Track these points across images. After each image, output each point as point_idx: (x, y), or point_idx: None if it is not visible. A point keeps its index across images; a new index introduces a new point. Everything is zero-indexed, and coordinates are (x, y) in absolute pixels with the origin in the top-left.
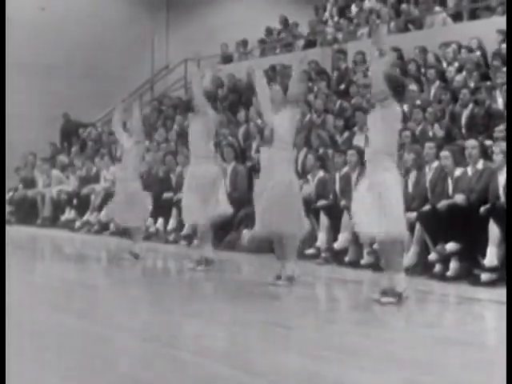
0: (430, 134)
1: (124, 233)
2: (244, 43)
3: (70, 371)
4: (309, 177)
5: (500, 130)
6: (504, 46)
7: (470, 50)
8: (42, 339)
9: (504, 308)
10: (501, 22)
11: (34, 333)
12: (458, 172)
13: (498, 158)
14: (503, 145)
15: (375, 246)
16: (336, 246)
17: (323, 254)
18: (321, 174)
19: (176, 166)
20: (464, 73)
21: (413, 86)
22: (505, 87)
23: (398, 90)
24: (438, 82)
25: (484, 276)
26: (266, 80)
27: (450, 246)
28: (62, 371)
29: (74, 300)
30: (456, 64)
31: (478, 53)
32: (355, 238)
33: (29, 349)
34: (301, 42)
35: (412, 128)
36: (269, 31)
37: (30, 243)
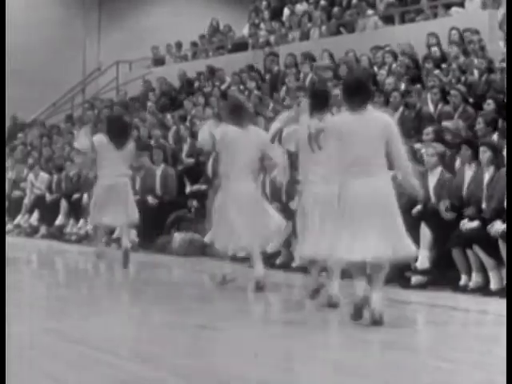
0: None
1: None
2: (176, 46)
3: None
4: None
5: (427, 132)
6: (434, 49)
7: (395, 56)
8: None
9: (434, 310)
10: (431, 25)
11: None
12: None
13: (429, 160)
14: (436, 146)
15: None
16: (268, 249)
17: None
18: None
19: None
20: (394, 76)
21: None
22: (434, 90)
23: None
24: None
25: (415, 279)
26: (198, 83)
27: None
28: None
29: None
30: (387, 67)
31: (406, 59)
32: (287, 242)
33: None
34: (232, 45)
35: None
36: (207, 33)
37: None
